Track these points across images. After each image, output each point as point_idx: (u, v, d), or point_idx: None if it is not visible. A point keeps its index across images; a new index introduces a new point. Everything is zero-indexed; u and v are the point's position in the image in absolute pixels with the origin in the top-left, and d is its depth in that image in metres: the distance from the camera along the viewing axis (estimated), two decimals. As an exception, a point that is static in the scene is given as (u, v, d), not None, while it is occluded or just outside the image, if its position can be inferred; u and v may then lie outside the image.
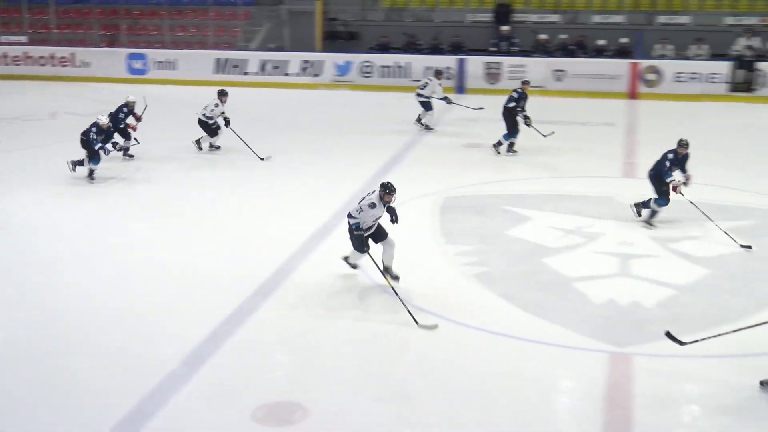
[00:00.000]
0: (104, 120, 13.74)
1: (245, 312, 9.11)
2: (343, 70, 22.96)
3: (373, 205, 9.12)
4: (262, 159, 15.26)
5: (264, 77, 23.29)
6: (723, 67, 21.14)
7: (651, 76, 21.36)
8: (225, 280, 9.99)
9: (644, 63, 21.60)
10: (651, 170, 11.80)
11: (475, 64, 22.11)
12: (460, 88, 21.94)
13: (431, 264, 10.61)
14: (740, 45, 21.85)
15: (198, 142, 15.93)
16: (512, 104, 15.76)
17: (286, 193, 13.49)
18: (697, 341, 7.70)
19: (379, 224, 9.48)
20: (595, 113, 19.33)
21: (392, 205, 9.33)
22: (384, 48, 23.86)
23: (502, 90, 20.91)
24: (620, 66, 21.56)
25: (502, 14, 23.98)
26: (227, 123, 15.53)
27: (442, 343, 8.47)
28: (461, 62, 22.10)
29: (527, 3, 24.75)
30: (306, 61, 23.28)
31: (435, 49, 23.53)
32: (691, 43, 22.57)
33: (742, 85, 21.05)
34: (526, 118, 15.79)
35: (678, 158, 11.57)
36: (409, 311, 8.64)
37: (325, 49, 24.67)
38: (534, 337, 8.53)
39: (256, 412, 7.15)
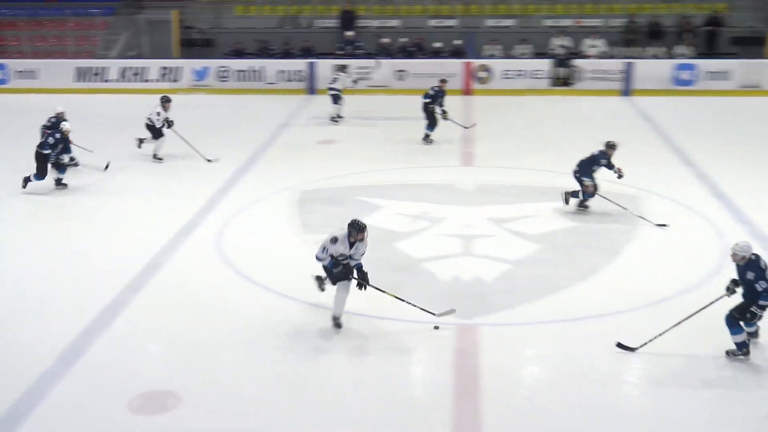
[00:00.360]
0: (67, 126, 12.92)
1: (117, 306, 8.86)
2: (200, 75, 22.50)
3: (335, 240, 8.00)
4: (209, 160, 14.84)
5: (124, 84, 22.55)
6: (544, 65, 21.89)
7: (482, 74, 21.86)
8: (95, 277, 9.68)
9: (476, 62, 22.08)
10: (576, 172, 11.74)
11: (325, 66, 22.04)
12: (312, 90, 21.88)
13: (292, 253, 10.57)
14: (555, 44, 22.68)
15: (140, 141, 15.10)
16: (428, 100, 16.11)
17: (149, 195, 13.10)
18: (645, 344, 7.80)
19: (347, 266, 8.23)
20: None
21: (364, 242, 8.12)
22: (239, 54, 23.52)
23: (351, 90, 21.03)
24: (455, 65, 21.95)
25: (347, 20, 24.02)
26: (170, 125, 14.89)
27: (307, 326, 8.46)
28: (311, 65, 22.03)
29: (369, 10, 24.87)
30: (165, 68, 22.67)
31: (287, 54, 23.37)
32: (517, 43, 23.26)
33: (561, 80, 21.86)
34: (444, 112, 16.12)
35: (609, 159, 11.62)
36: (423, 308, 8.41)
37: (182, 56, 24.10)
38: (390, 315, 8.63)
39: (132, 402, 6.98)
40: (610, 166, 11.65)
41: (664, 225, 11.30)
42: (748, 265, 7.48)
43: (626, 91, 21.34)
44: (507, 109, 19.91)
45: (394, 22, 24.61)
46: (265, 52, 23.55)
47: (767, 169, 14.15)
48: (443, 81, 16.52)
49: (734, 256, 7.55)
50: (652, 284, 9.43)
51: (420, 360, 8.01)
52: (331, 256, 8.04)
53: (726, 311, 7.60)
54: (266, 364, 7.70)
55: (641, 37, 23.12)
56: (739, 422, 6.78)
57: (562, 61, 21.89)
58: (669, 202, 12.30)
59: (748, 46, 22.88)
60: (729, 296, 7.69)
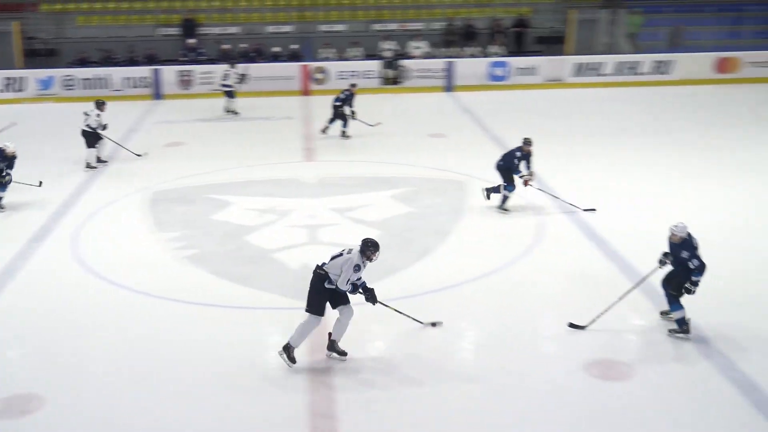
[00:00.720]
0: (12, 147, 11.70)
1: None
2: (45, 84, 21.28)
3: (358, 268, 7.17)
4: (139, 155, 14.87)
5: (-32, 95, 21.09)
6: (375, 65, 22.14)
7: (319, 75, 21.85)
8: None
9: (313, 64, 22.06)
10: (500, 161, 11.53)
11: (169, 72, 21.42)
12: (158, 95, 21.20)
13: (146, 251, 10.25)
14: (383, 47, 22.96)
15: (98, 159, 14.36)
16: (338, 103, 16.16)
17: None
18: (594, 320, 7.89)
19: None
20: (276, 109, 19.53)
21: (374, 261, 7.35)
22: (83, 62, 22.45)
23: (195, 94, 20.65)
24: (293, 68, 21.86)
25: (189, 28, 23.40)
26: (104, 128, 14.27)
27: (165, 320, 8.24)
28: (156, 72, 21.33)
29: (210, 18, 24.34)
30: (8, 78, 21.28)
31: (131, 61, 22.52)
32: (349, 46, 23.42)
33: (391, 80, 22.17)
34: (353, 112, 16.15)
35: (524, 154, 11.39)
36: (413, 318, 7.95)
37: (26, 66, 22.75)
38: (244, 304, 8.55)
39: (-7, 408, 6.58)
40: (527, 163, 11.44)
41: (592, 210, 11.48)
42: (682, 244, 7.57)
43: (449, 88, 21.91)
44: (343, 107, 20.02)
45: (234, 29, 24.20)
46: (109, 61, 22.60)
47: (573, 153, 14.92)
48: (353, 85, 16.76)
49: (673, 236, 7.61)
50: (481, 259, 9.77)
51: (273, 344, 7.95)
52: (353, 283, 7.28)
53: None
54: (128, 361, 7.43)
55: (459, 38, 23.80)
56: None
57: (390, 63, 22.21)
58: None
59: (550, 44, 24.05)
60: (661, 267, 7.82)
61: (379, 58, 22.54)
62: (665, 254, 7.79)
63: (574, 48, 23.92)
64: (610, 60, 22.74)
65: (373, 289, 7.49)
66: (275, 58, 22.88)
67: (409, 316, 7.95)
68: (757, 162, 14.13)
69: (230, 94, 18.88)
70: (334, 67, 22.08)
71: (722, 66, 22.74)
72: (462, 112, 19.22)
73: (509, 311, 8.38)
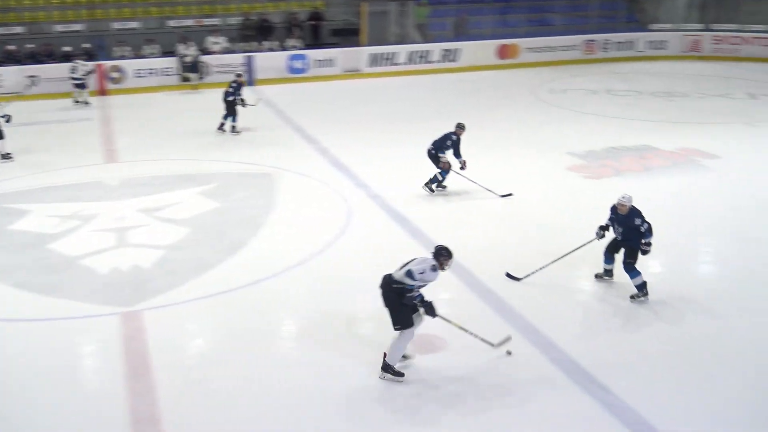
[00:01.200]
0: None
1: None
2: None
3: (435, 268, 6.68)
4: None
5: None
6: (173, 62, 21.41)
7: (116, 74, 20.83)
8: None
9: (108, 63, 20.98)
10: (431, 149, 11.47)
11: (-53, 77, 19.62)
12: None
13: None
14: (180, 51, 22.02)
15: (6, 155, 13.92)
16: (231, 98, 15.83)
17: None
18: (529, 275, 8.23)
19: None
20: (72, 111, 18.46)
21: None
22: None
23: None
24: (87, 68, 20.67)
25: (-33, 29, 21.53)
26: (8, 120, 13.79)
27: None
28: (-70, 77, 19.44)
29: (-10, 17, 22.52)
30: None
31: None
32: (144, 44, 22.46)
33: (195, 83, 21.46)
34: (242, 101, 15.96)
35: (458, 138, 11.38)
36: (482, 339, 7.18)
37: None
38: (53, 315, 8.05)
39: None
40: (457, 151, 11.47)
41: (509, 195, 11.58)
42: (631, 214, 7.90)
43: (250, 82, 21.56)
44: (143, 105, 19.24)
45: (18, 29, 22.47)
46: None
47: (372, 139, 15.25)
48: (239, 75, 16.54)
49: (622, 207, 7.94)
50: (294, 249, 9.76)
51: (86, 353, 7.56)
52: (417, 280, 6.67)
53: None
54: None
55: (256, 33, 23.51)
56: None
57: (191, 66, 21.38)
58: (300, 176, 12.76)
59: (346, 36, 24.32)
60: (599, 239, 8.19)
61: (176, 54, 21.73)
62: (601, 227, 8.25)
63: (368, 39, 24.37)
64: (402, 50, 23.42)
65: (431, 302, 6.84)
66: (67, 58, 21.47)
67: (476, 336, 7.20)
68: (543, 139, 15.12)
69: (81, 86, 19.13)
70: (130, 65, 21.12)
71: (503, 52, 24.11)
72: (265, 106, 19.04)
73: (325, 297, 8.46)
